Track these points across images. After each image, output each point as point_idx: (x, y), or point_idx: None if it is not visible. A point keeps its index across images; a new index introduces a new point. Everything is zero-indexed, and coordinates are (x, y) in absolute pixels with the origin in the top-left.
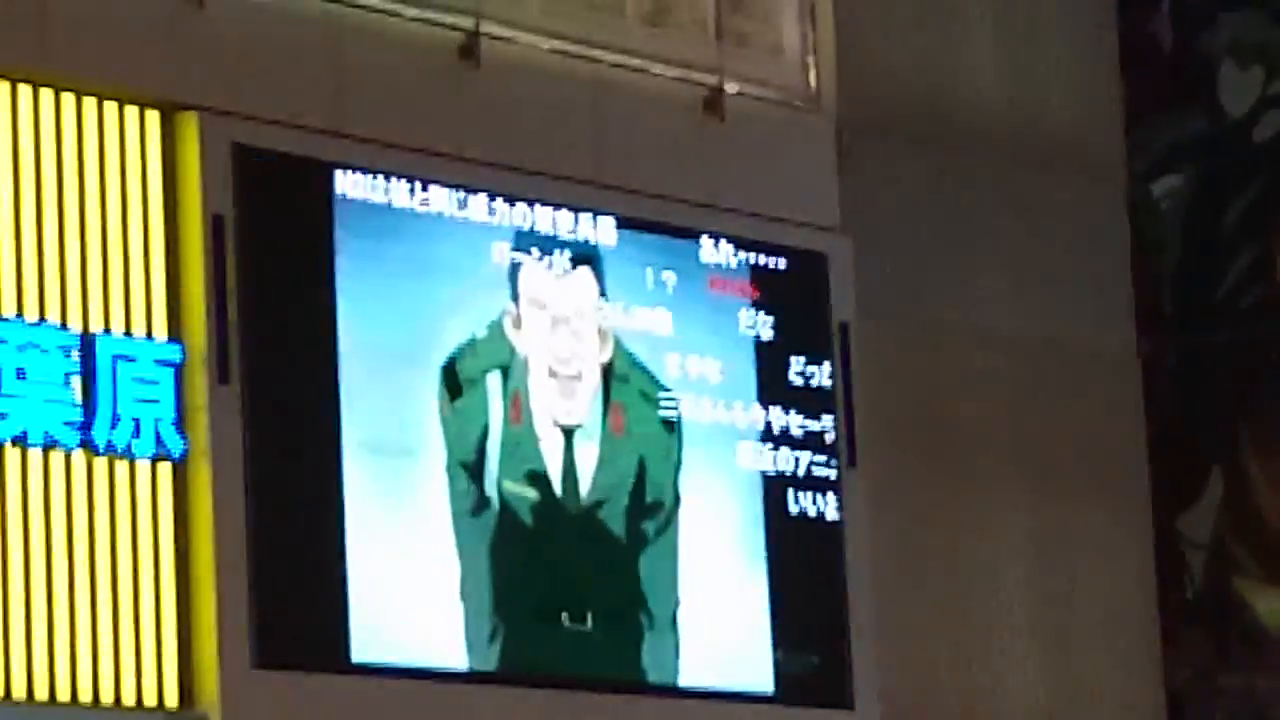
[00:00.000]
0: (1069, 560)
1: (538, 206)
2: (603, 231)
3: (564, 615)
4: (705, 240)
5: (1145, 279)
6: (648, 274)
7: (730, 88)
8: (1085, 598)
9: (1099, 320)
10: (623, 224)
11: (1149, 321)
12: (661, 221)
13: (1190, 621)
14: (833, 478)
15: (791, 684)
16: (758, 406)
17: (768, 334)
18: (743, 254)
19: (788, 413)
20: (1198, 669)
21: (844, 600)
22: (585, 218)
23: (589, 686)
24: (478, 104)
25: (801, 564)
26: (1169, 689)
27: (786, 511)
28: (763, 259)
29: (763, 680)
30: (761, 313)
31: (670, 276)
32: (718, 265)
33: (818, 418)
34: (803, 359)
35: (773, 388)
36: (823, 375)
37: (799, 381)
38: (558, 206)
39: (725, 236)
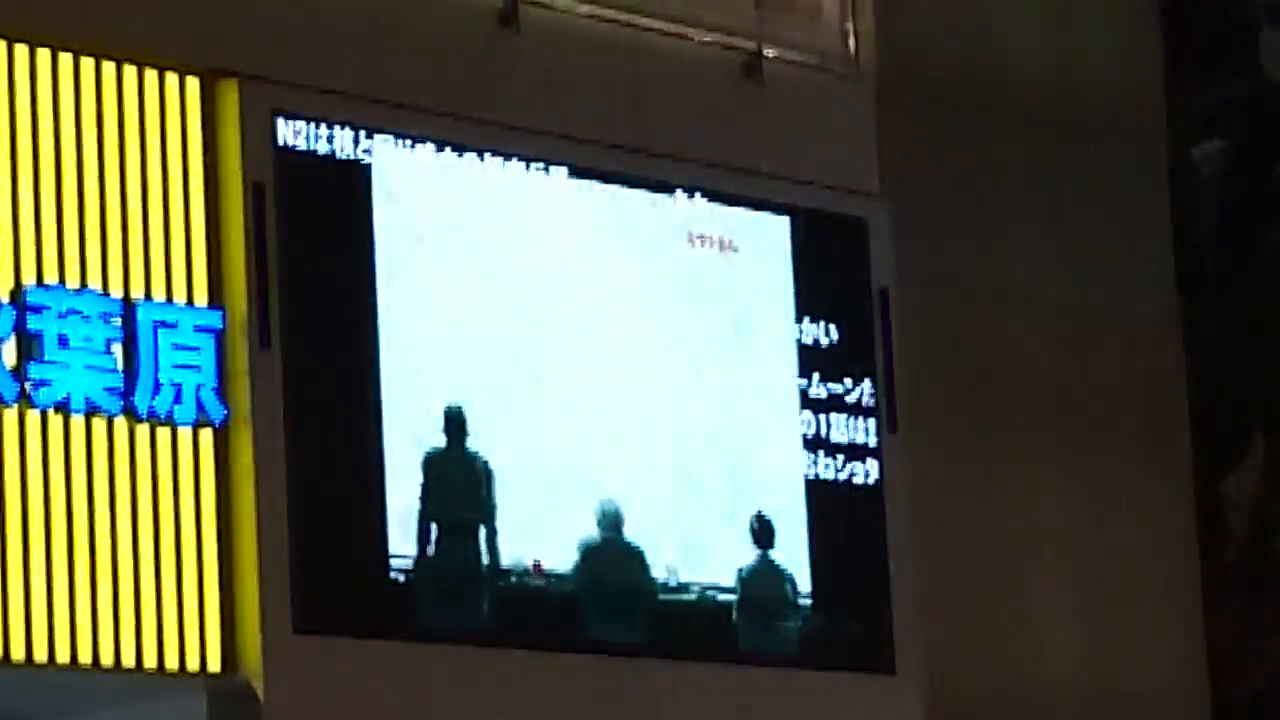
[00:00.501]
0: (1111, 525)
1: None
2: None
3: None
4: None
5: (1186, 243)
6: None
7: (769, 53)
8: (1127, 562)
9: (1140, 284)
10: (657, 190)
11: (1190, 285)
12: (699, 187)
13: (1232, 585)
14: (873, 443)
15: (833, 649)
16: (797, 371)
17: (808, 300)
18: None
19: (827, 378)
20: (1239, 632)
21: (885, 566)
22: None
23: (634, 652)
24: (516, 70)
25: (842, 530)
26: (1211, 652)
27: (827, 477)
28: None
29: (804, 645)
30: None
31: None
32: None
33: (858, 383)
34: (842, 324)
35: (811, 352)
36: (862, 340)
37: (838, 347)
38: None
39: (764, 201)
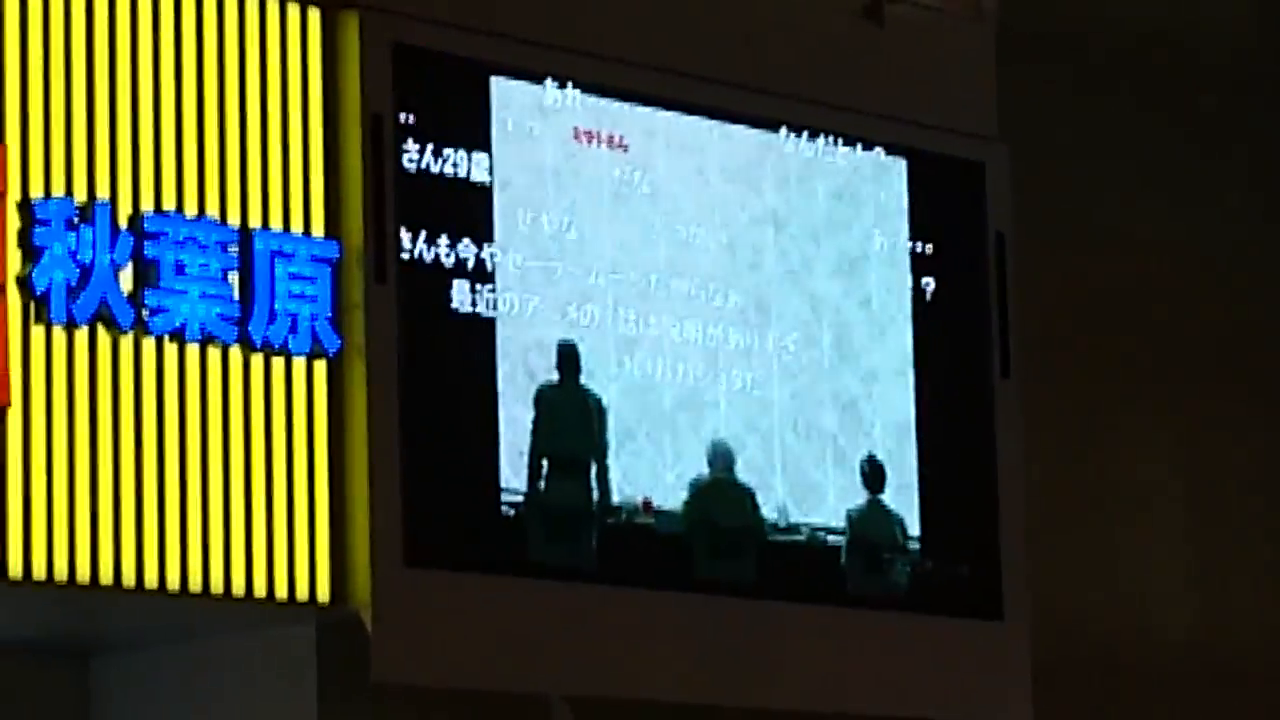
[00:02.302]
0: (1221, 474)
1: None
2: None
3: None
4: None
5: None
6: None
7: None
8: (1237, 511)
9: (1262, 235)
10: (773, 129)
11: None
12: (818, 127)
13: None
14: (985, 389)
15: (941, 593)
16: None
17: (923, 243)
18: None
19: (940, 321)
20: None
21: (994, 512)
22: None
23: (742, 592)
24: (632, 9)
25: (952, 475)
26: None
27: (938, 421)
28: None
29: (913, 589)
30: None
31: None
32: None
33: (970, 327)
34: (957, 268)
35: (925, 294)
36: (977, 284)
37: (952, 290)
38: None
39: (881, 142)
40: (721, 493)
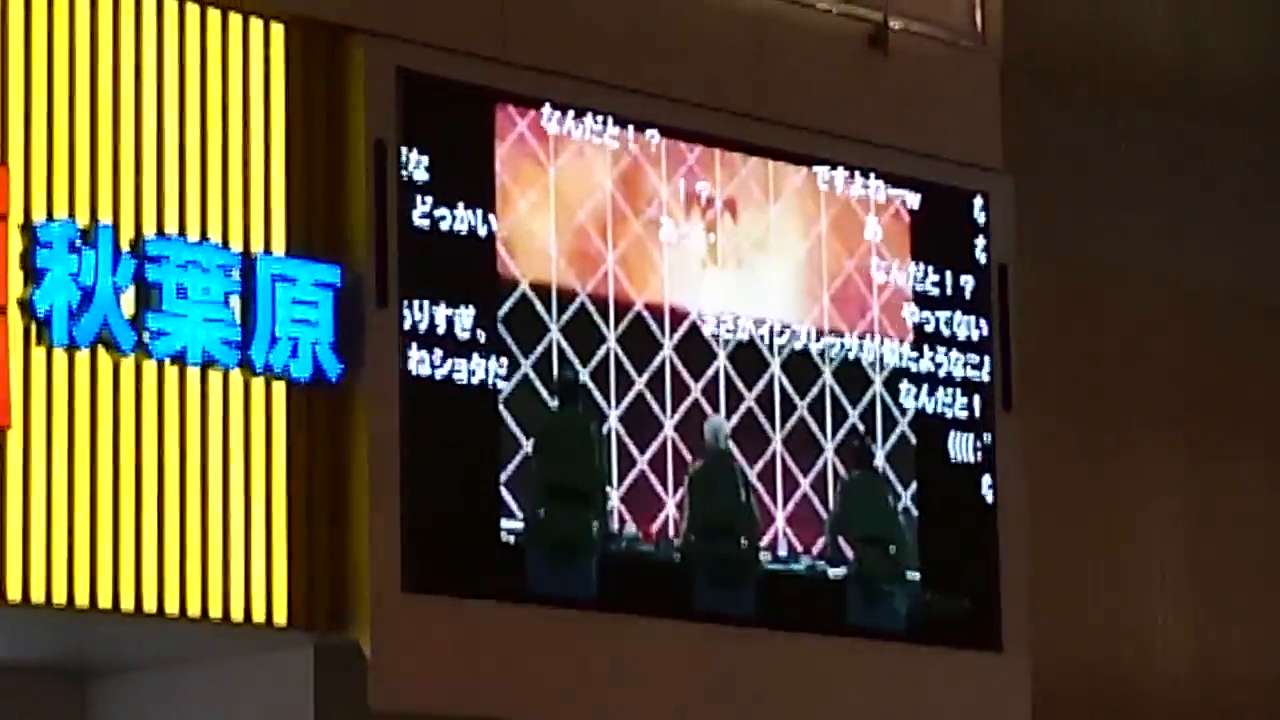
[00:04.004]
0: (1224, 508)
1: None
2: None
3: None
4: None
5: None
6: None
7: (895, 24)
8: (1240, 546)
9: (1265, 271)
10: (777, 159)
11: None
12: (823, 158)
13: None
14: (986, 420)
15: (941, 626)
16: (913, 346)
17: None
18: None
19: (943, 354)
20: None
21: (995, 544)
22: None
23: (745, 622)
24: (641, 37)
25: (953, 506)
26: None
27: (938, 453)
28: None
29: (913, 621)
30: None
31: None
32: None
33: (974, 360)
34: (959, 299)
35: (929, 328)
36: (980, 317)
37: (956, 322)
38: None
39: (885, 173)
40: (714, 477)
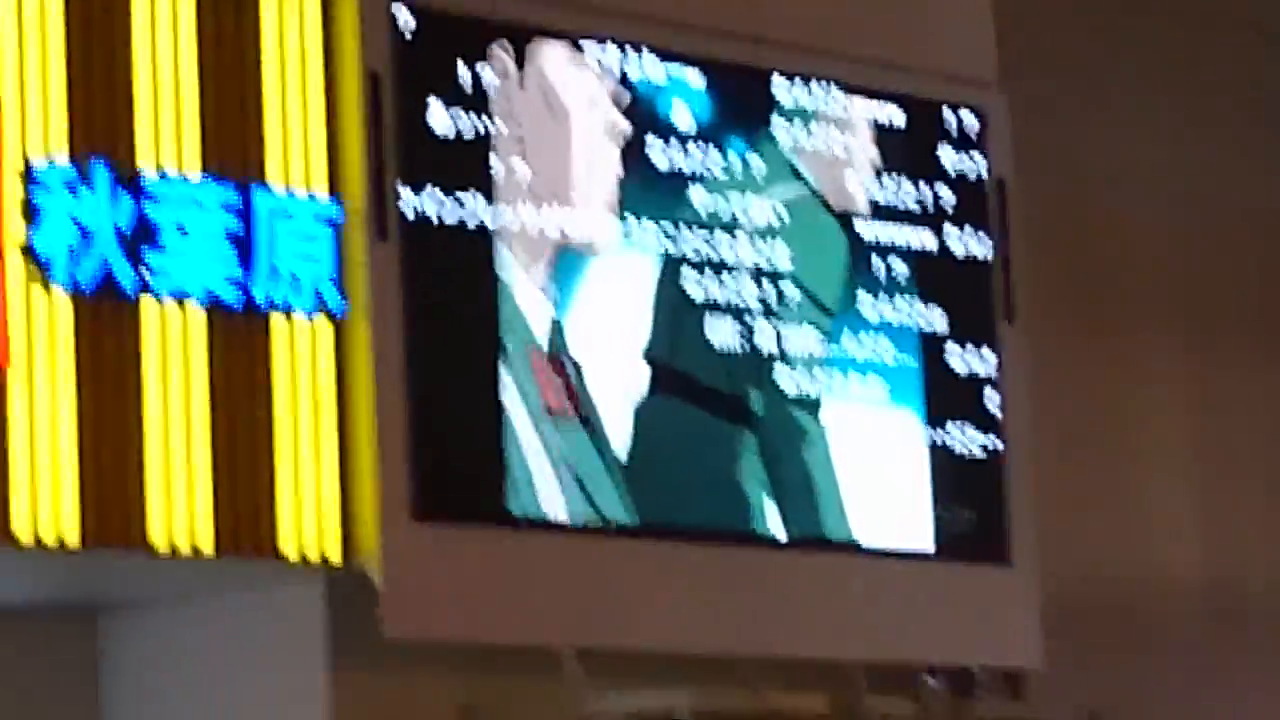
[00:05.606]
0: (1231, 416)
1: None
2: None
3: (724, 467)
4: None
5: None
6: None
7: None
8: (1247, 454)
9: (1267, 177)
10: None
11: None
12: (816, 75)
13: None
14: (990, 335)
15: (950, 541)
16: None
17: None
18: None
19: (945, 269)
20: None
21: (1002, 457)
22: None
23: (753, 542)
24: None
25: (960, 421)
26: None
27: (945, 367)
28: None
29: (922, 538)
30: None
31: None
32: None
33: (975, 273)
34: (959, 215)
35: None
36: (979, 231)
37: (954, 238)
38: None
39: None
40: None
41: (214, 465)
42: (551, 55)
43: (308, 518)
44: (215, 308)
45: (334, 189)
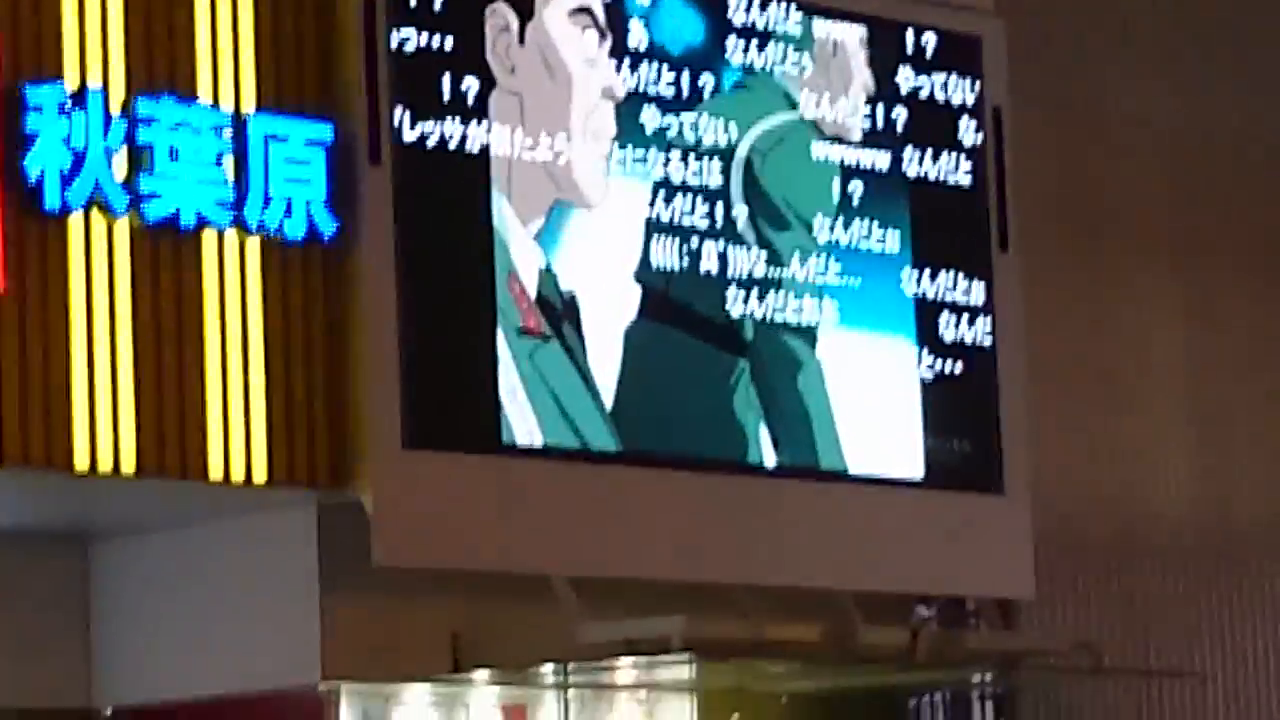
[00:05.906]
0: (1222, 347)
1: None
2: None
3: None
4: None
5: None
6: None
7: None
8: (1238, 384)
9: (1262, 111)
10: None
11: None
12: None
13: None
14: (984, 263)
15: (942, 470)
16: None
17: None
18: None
19: (937, 194)
20: None
21: (995, 387)
22: None
23: (744, 470)
24: None
25: (954, 351)
26: None
27: (938, 296)
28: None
29: (913, 466)
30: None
31: None
32: None
33: (969, 200)
34: (953, 144)
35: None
36: (974, 160)
37: (949, 165)
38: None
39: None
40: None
41: (204, 390)
42: None
43: (300, 444)
44: (206, 230)
45: (327, 112)
